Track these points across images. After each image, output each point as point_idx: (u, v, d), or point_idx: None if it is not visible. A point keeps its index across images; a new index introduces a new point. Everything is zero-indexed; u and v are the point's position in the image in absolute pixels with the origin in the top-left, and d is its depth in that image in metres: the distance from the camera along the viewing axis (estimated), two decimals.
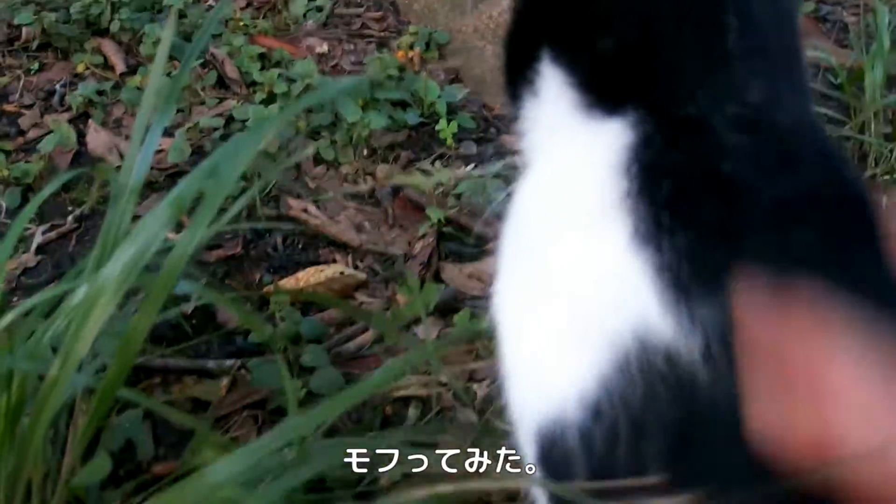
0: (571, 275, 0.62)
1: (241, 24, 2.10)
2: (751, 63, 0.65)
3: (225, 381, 1.41)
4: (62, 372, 0.90)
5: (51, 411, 0.92)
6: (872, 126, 1.94)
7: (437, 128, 1.81)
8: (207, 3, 2.27)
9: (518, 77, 0.73)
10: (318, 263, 1.64)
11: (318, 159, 1.83)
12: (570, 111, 0.68)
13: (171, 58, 2.01)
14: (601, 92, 0.66)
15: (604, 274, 0.59)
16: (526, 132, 0.74)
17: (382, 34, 2.20)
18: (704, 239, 0.57)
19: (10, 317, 0.92)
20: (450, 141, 1.78)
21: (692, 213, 0.58)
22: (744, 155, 0.61)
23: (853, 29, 2.44)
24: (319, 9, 2.23)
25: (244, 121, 1.85)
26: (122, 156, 1.82)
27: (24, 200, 1.73)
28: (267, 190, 1.76)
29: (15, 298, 1.56)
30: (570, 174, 0.66)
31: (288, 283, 1.57)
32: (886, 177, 1.88)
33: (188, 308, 1.55)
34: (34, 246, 1.63)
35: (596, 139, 0.65)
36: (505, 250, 0.70)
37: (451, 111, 1.94)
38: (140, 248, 0.91)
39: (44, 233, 1.66)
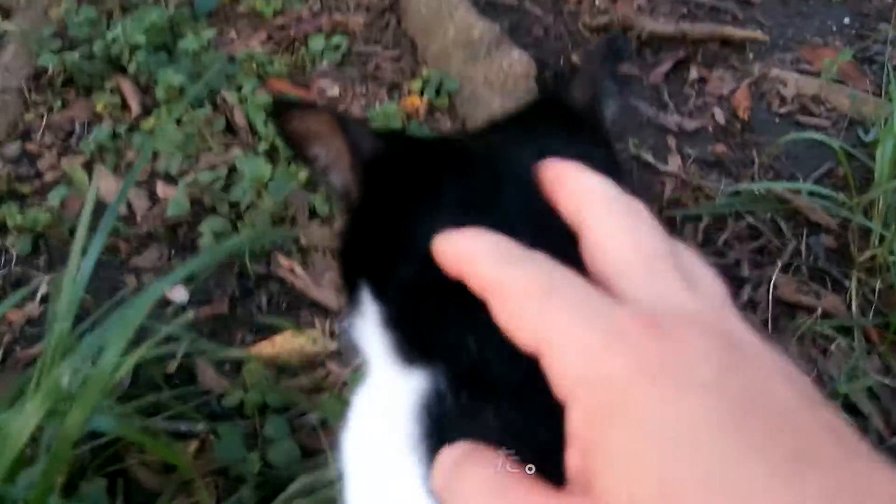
0: None
1: (256, 64, 2.31)
2: None
3: (193, 447, 1.64)
4: None
5: None
6: (880, 203, 2.03)
7: None
8: (230, 37, 2.49)
9: (347, 292, 0.87)
10: (297, 325, 1.85)
11: (313, 213, 2.03)
12: (383, 343, 0.77)
13: (185, 101, 2.24)
14: (402, 336, 0.75)
15: None
16: (356, 341, 0.88)
17: (396, 77, 2.38)
18: None
19: None
20: None
21: None
22: (515, 399, 0.75)
23: None
24: (337, 47, 2.42)
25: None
26: (129, 203, 2.06)
27: (35, 247, 1.98)
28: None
29: (18, 349, 1.81)
30: (381, 411, 0.77)
31: (264, 346, 1.79)
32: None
33: (171, 367, 1.80)
34: (39, 296, 1.88)
35: (400, 380, 0.74)
36: (344, 467, 0.86)
37: None
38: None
39: (48, 283, 1.90)
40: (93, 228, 2.01)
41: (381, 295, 0.79)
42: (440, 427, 0.73)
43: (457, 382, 0.74)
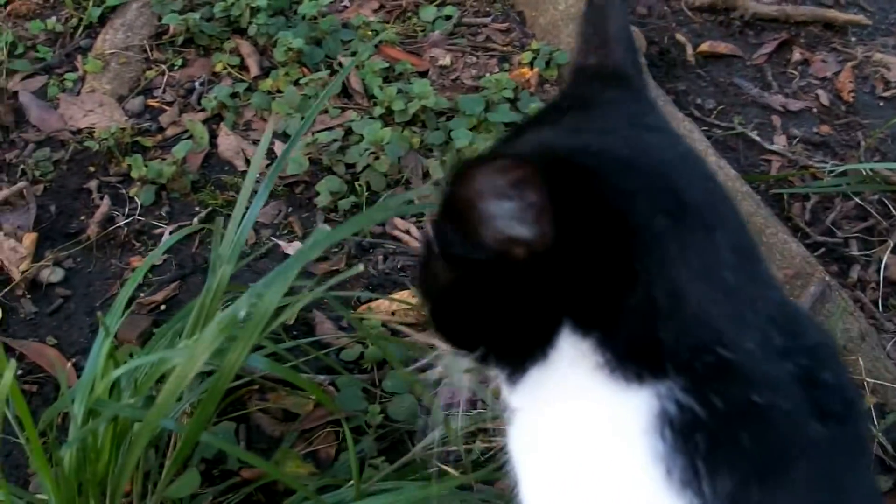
0: None
1: (370, 31, 2.26)
2: (746, 292, 0.70)
3: (314, 396, 1.59)
4: (156, 417, 1.10)
5: (143, 444, 1.12)
6: None
7: None
8: (343, 4, 2.44)
9: (519, 347, 0.75)
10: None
11: (427, 176, 1.98)
12: (592, 373, 0.72)
13: (302, 64, 2.20)
14: (629, 356, 0.71)
15: None
16: (523, 391, 0.77)
17: (506, 48, 2.32)
18: (748, 481, 0.66)
19: (122, 369, 1.12)
20: None
21: (732, 459, 0.67)
22: (775, 387, 0.68)
23: None
24: (447, 17, 2.36)
25: (362, 136, 2.00)
26: (247, 160, 2.03)
27: (158, 198, 1.95)
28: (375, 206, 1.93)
29: (141, 294, 1.79)
30: (602, 437, 0.72)
31: (382, 304, 1.75)
32: None
33: (290, 320, 1.76)
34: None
35: (625, 402, 0.70)
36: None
37: None
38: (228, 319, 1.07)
39: (171, 233, 1.87)
40: (208, 181, 1.99)
41: (594, 326, 0.72)
42: (690, 439, 0.68)
43: (699, 392, 0.68)
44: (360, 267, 1.19)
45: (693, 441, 0.67)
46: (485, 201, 0.66)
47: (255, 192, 1.28)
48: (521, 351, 0.74)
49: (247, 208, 1.27)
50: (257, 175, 1.95)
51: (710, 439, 0.66)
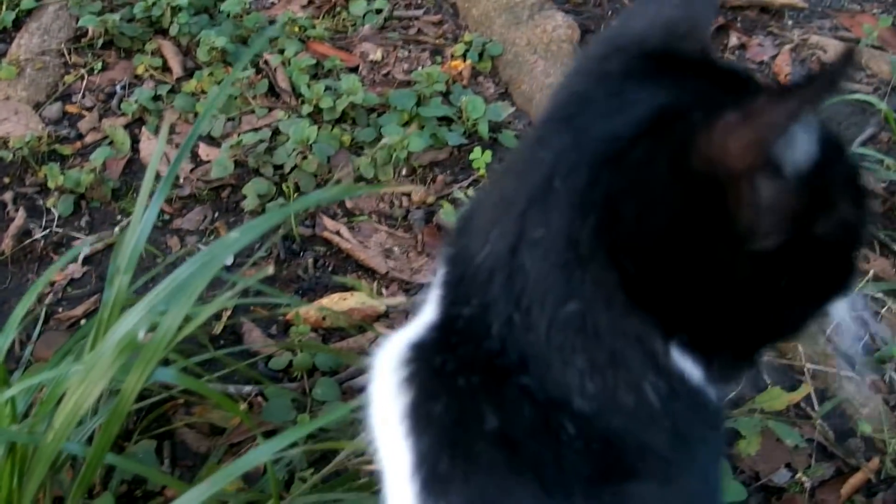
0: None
1: (298, 27, 2.19)
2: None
3: (241, 408, 1.53)
4: (54, 442, 1.03)
5: (43, 469, 1.05)
6: None
7: (471, 157, 1.88)
8: (269, 0, 2.37)
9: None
10: (345, 287, 1.74)
11: (358, 176, 1.92)
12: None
13: (227, 63, 2.13)
14: None
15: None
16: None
17: (438, 41, 2.26)
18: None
19: (13, 390, 1.05)
20: (483, 171, 1.85)
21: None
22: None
23: None
24: (378, 11, 2.29)
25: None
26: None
27: (77, 208, 1.87)
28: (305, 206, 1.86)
29: (60, 309, 1.71)
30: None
31: (312, 308, 1.68)
32: None
33: (217, 329, 1.69)
34: (81, 257, 1.77)
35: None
36: None
37: (495, 129, 2.00)
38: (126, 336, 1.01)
39: (91, 244, 1.79)
40: (130, 188, 1.91)
41: None
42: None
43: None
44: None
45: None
46: None
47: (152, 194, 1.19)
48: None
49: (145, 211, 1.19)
50: (181, 178, 1.89)
51: None
